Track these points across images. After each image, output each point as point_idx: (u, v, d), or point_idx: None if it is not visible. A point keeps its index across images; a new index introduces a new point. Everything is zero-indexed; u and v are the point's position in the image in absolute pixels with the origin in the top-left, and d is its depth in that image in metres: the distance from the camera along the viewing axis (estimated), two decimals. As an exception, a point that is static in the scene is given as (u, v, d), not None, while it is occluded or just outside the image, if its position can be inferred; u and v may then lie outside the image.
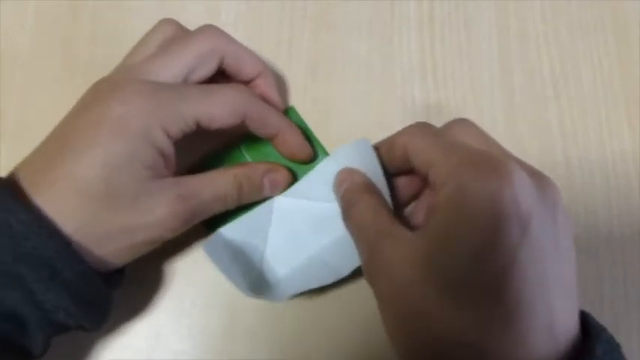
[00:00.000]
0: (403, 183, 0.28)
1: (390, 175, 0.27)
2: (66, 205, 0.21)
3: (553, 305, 0.19)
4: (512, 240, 0.19)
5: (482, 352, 0.19)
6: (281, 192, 0.29)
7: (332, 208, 0.27)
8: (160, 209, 0.23)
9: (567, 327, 0.20)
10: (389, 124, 0.32)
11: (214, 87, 0.25)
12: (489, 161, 0.20)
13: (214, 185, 0.25)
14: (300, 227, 0.28)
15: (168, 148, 0.24)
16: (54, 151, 0.22)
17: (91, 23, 0.33)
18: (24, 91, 0.32)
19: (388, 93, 0.33)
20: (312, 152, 0.29)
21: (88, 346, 0.28)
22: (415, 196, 0.28)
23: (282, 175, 0.28)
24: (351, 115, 0.32)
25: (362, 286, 0.29)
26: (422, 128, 0.25)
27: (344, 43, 0.34)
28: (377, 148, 0.27)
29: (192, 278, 0.29)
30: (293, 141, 0.28)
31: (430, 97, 0.33)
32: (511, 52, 0.35)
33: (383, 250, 0.22)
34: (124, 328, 0.28)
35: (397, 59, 0.34)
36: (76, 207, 0.21)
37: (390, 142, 0.26)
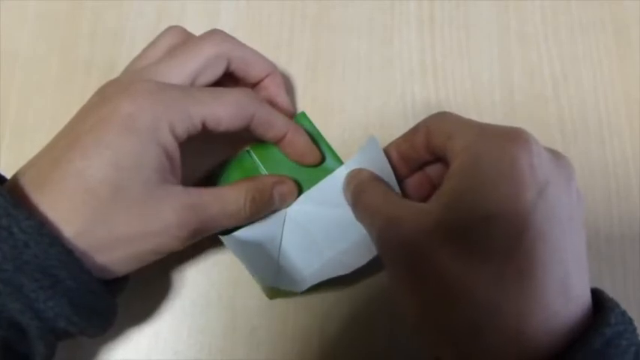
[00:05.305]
0: (415, 183, 0.28)
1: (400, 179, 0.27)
2: (72, 204, 0.21)
3: (568, 270, 0.20)
4: (528, 202, 0.19)
5: (498, 310, 0.19)
6: (288, 205, 0.29)
7: (347, 214, 0.27)
8: (166, 216, 0.22)
9: (581, 295, 0.20)
10: (389, 124, 0.32)
11: (222, 89, 0.25)
12: (508, 130, 0.21)
13: (225, 200, 0.25)
14: (316, 234, 0.28)
15: (174, 148, 0.23)
16: (62, 149, 0.22)
17: (91, 23, 0.33)
18: (24, 91, 0.32)
19: (388, 93, 0.33)
20: (319, 155, 0.29)
21: (87, 345, 0.28)
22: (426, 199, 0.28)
23: (289, 187, 0.28)
24: (351, 115, 0.32)
25: (363, 285, 0.29)
26: (444, 112, 0.25)
27: (344, 43, 0.34)
28: (400, 139, 0.27)
29: (193, 278, 0.29)
30: (300, 144, 0.28)
31: (430, 97, 0.33)
32: (511, 52, 0.35)
33: (396, 217, 0.22)
34: (124, 328, 0.28)
35: (397, 59, 0.34)
36: (82, 207, 0.21)
37: (413, 127, 0.26)
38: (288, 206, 0.29)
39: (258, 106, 0.26)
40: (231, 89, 0.26)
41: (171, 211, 0.22)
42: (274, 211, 0.28)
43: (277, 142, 0.28)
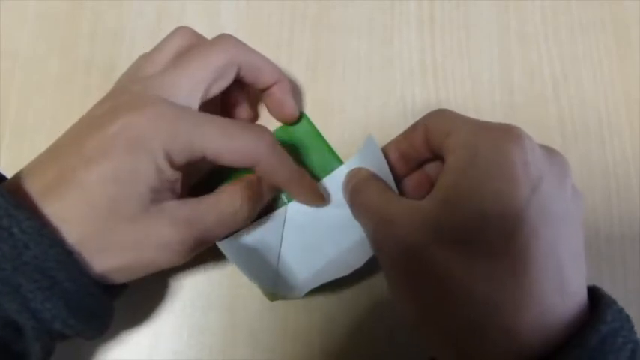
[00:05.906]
0: (414, 181, 0.28)
1: (398, 179, 0.27)
2: (71, 213, 0.21)
3: (563, 265, 0.20)
4: (521, 200, 0.20)
5: (496, 307, 0.19)
6: (285, 196, 0.29)
7: (347, 214, 0.27)
8: (164, 233, 0.22)
9: (578, 291, 0.20)
10: (389, 124, 0.32)
11: (236, 128, 0.24)
12: (502, 127, 0.22)
13: (221, 205, 0.24)
14: (316, 235, 0.28)
15: (172, 173, 0.23)
16: (67, 156, 0.22)
17: (91, 23, 0.33)
18: (24, 91, 0.32)
19: (388, 93, 0.33)
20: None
21: (87, 346, 0.28)
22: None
23: None
24: (351, 115, 0.32)
25: (364, 287, 0.29)
26: (442, 109, 0.25)
27: (344, 43, 0.34)
28: (400, 137, 0.27)
29: (192, 279, 0.29)
30: (302, 197, 0.28)
31: (430, 97, 0.33)
32: (511, 52, 0.35)
33: (391, 216, 0.22)
34: (124, 329, 0.28)
35: (397, 59, 0.34)
36: (81, 217, 0.21)
37: (412, 125, 0.26)
38: (286, 199, 0.28)
39: (268, 154, 0.24)
40: (247, 130, 0.24)
41: (169, 227, 0.22)
42: (273, 212, 0.28)
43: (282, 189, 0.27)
